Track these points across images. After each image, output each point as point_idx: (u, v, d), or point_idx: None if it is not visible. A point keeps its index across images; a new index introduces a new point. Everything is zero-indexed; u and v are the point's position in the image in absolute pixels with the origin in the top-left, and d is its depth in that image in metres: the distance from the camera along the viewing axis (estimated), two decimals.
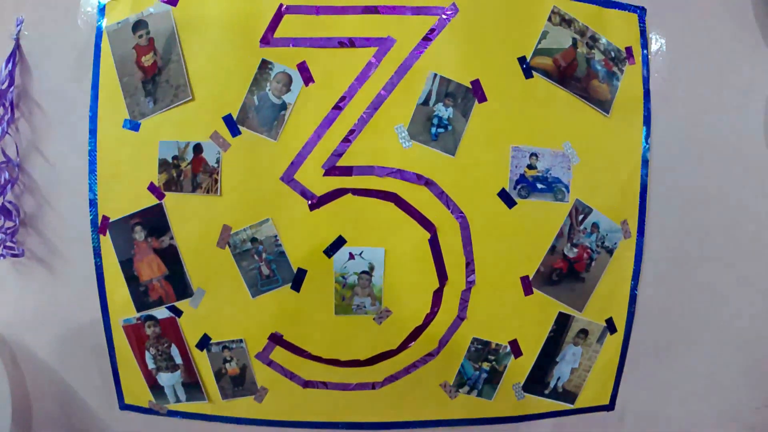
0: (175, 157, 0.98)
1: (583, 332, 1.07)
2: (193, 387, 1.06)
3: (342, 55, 0.96)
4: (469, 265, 1.00)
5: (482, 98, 0.97)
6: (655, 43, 1.06)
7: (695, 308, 1.11)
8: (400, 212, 0.98)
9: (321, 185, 0.97)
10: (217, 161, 0.97)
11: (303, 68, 0.96)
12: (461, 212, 0.99)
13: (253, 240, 0.98)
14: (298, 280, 0.99)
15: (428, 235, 0.99)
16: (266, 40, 0.95)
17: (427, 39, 0.96)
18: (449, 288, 1.01)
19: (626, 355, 1.10)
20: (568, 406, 1.11)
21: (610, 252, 1.05)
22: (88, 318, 1.06)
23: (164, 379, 1.06)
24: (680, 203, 1.07)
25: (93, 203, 1.01)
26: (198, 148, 0.97)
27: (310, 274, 0.99)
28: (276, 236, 0.98)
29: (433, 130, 0.97)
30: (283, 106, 0.96)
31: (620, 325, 1.09)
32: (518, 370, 1.07)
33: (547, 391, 1.09)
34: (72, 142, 1.01)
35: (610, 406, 1.12)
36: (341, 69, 0.96)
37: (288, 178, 0.97)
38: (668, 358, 1.12)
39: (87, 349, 1.08)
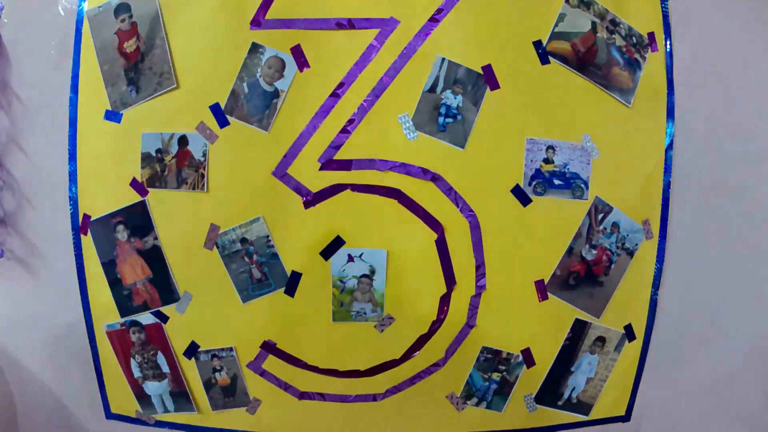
0: (158, 151, 0.83)
1: (601, 340, 0.92)
2: (181, 397, 0.92)
3: (340, 38, 0.81)
4: (480, 268, 0.85)
5: (494, 85, 0.82)
6: (679, 29, 0.90)
7: (718, 314, 0.96)
8: (404, 210, 0.83)
9: (317, 180, 0.83)
10: (204, 155, 0.83)
11: (297, 52, 0.81)
12: (471, 210, 0.84)
13: (243, 240, 0.84)
14: (292, 284, 0.85)
15: (435, 236, 0.84)
16: (257, 22, 0.81)
17: (434, 20, 0.81)
18: (457, 293, 0.86)
19: (644, 364, 0.95)
20: (582, 418, 0.96)
21: (631, 254, 0.90)
22: (71, 322, 0.93)
23: (151, 388, 0.92)
24: (705, 202, 0.92)
25: (73, 200, 0.87)
26: (183, 141, 0.83)
27: (306, 277, 0.85)
28: (268, 236, 0.84)
29: (441, 120, 0.82)
30: (276, 94, 0.82)
31: (639, 332, 0.94)
32: (530, 380, 0.92)
33: (560, 402, 0.94)
34: (53, 136, 0.89)
35: (626, 417, 0.98)
36: (339, 53, 0.82)
37: (281, 173, 0.83)
38: (688, 367, 0.98)
39: (71, 355, 0.95)
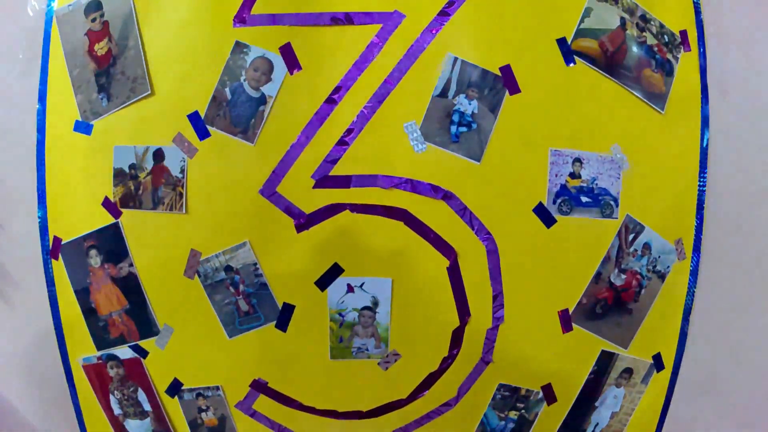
0: (132, 166, 0.65)
1: (628, 371, 0.73)
2: None
3: (336, 35, 0.63)
4: (497, 298, 0.67)
5: (514, 89, 0.64)
6: (712, 27, 0.71)
7: (753, 341, 0.77)
8: (412, 233, 0.65)
9: (311, 200, 0.65)
10: (182, 171, 0.64)
11: (287, 52, 0.63)
12: (488, 233, 0.65)
13: (228, 268, 0.65)
14: (284, 317, 0.67)
15: (447, 262, 0.66)
16: (241, 18, 0.62)
17: (444, 14, 0.63)
18: (472, 326, 0.68)
19: (672, 395, 0.77)
20: None
21: (662, 277, 0.72)
22: (46, 355, 0.75)
23: (133, 426, 0.75)
24: (743, 218, 0.74)
25: (42, 221, 0.69)
26: (159, 155, 0.65)
27: (299, 310, 0.67)
28: (256, 264, 0.65)
29: (453, 128, 0.64)
30: (263, 101, 0.63)
31: (668, 361, 0.75)
32: (551, 417, 0.73)
33: None
34: (22, 150, 0.71)
35: None
36: (335, 52, 0.63)
37: (269, 192, 0.64)
38: (719, 397, 0.79)
39: (49, 388, 0.78)
